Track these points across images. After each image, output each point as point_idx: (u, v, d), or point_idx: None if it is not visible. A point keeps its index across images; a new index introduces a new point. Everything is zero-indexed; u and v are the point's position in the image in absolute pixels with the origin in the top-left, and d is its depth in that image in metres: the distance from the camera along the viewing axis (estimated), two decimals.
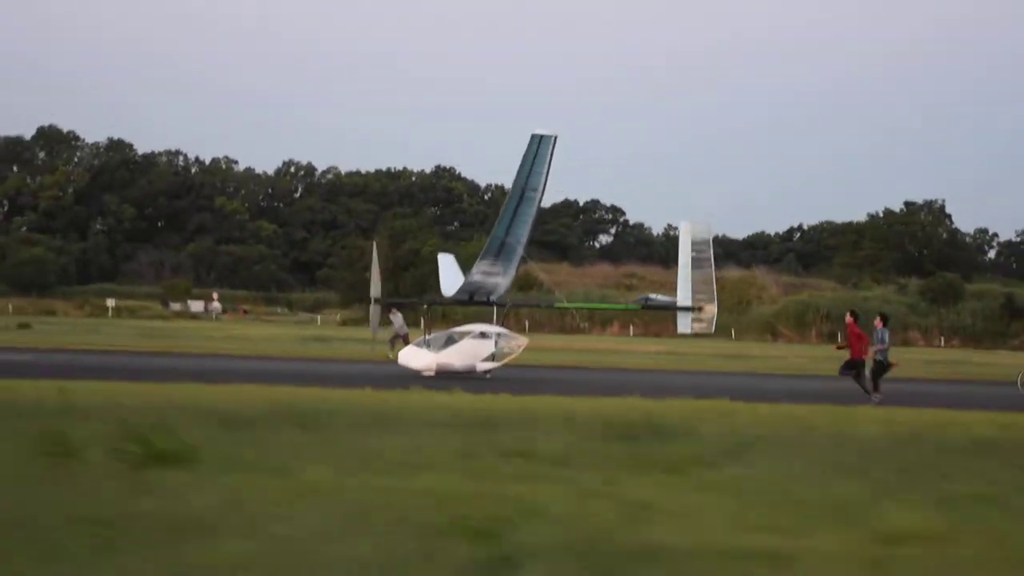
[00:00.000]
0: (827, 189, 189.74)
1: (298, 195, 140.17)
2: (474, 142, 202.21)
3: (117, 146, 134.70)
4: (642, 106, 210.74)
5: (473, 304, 31.08)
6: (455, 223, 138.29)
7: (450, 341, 29.40)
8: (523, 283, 75.30)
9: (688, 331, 31.09)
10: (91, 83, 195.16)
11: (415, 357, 29.13)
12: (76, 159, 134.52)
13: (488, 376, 28.79)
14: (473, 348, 29.22)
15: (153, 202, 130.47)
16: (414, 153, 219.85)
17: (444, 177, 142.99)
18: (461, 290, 30.48)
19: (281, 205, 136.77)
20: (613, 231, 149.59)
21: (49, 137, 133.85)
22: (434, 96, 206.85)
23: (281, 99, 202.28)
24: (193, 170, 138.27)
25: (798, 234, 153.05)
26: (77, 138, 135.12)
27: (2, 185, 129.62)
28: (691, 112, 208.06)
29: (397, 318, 38.16)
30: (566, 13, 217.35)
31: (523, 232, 26.65)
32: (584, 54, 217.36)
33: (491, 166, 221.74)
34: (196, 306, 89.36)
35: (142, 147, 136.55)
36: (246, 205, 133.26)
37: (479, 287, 29.57)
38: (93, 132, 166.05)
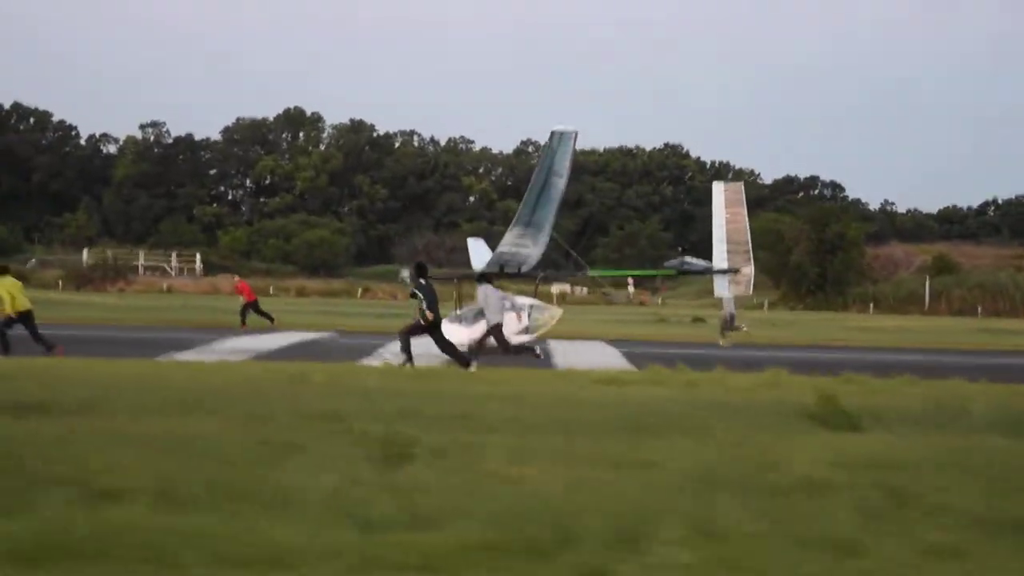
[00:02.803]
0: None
1: None
2: (699, 119, 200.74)
3: (359, 127, 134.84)
4: (844, 79, 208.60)
5: (504, 277, 30.08)
6: (687, 201, 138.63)
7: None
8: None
9: (726, 294, 30.28)
10: (328, 65, 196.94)
11: (450, 333, 27.07)
12: (324, 139, 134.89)
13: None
14: (505, 321, 27.81)
15: (402, 183, 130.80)
16: (642, 130, 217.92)
17: (673, 155, 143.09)
18: (491, 262, 29.25)
19: (523, 185, 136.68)
20: None
21: (293, 119, 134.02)
22: (656, 75, 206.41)
23: (509, 78, 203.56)
24: (429, 150, 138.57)
25: (992, 208, 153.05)
26: (320, 119, 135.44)
27: (254, 168, 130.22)
28: (884, 87, 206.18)
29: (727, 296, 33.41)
30: None
31: (549, 211, 26.01)
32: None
33: (715, 143, 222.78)
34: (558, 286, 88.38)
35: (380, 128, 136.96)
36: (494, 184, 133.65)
37: (511, 259, 28.31)
38: (331, 113, 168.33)
